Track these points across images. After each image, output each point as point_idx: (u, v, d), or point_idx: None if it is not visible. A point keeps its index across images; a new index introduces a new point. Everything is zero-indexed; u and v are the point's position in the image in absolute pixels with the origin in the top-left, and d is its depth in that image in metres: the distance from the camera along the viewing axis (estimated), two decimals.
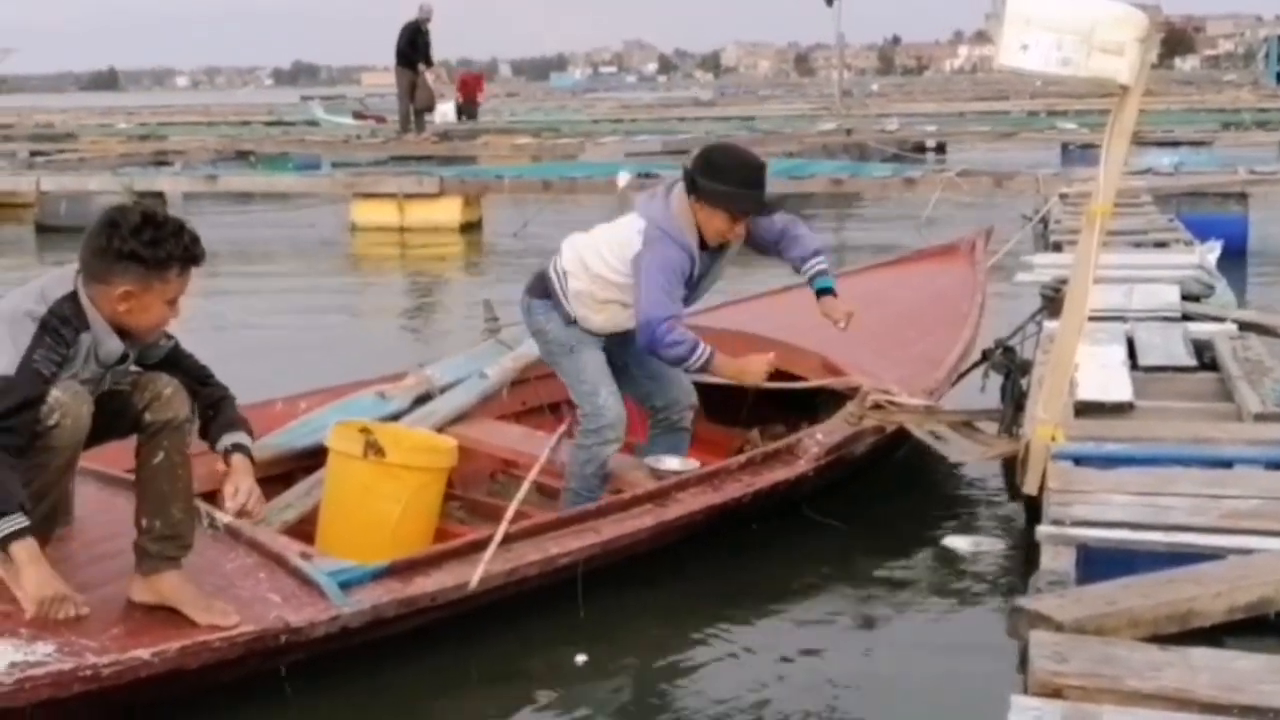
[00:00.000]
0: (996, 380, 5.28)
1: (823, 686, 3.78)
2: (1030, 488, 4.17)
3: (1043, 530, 3.46)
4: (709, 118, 29.69)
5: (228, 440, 3.58)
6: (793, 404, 5.46)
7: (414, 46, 19.60)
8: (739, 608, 4.27)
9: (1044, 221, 9.94)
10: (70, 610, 3.23)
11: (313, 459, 4.70)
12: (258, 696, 3.45)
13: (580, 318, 4.68)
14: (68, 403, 3.27)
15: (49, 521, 3.48)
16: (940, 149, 22.57)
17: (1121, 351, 5.32)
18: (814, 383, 5.30)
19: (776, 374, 5.27)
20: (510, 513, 4.07)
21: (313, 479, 4.61)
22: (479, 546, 3.87)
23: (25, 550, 3.19)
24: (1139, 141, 14.90)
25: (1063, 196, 10.65)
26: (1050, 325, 5.40)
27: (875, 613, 4.29)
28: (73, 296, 3.35)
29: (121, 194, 13.34)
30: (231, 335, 8.61)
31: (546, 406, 5.46)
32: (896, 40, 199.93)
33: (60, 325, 3.29)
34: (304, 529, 4.35)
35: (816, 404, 5.41)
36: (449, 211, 14.64)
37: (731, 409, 5.50)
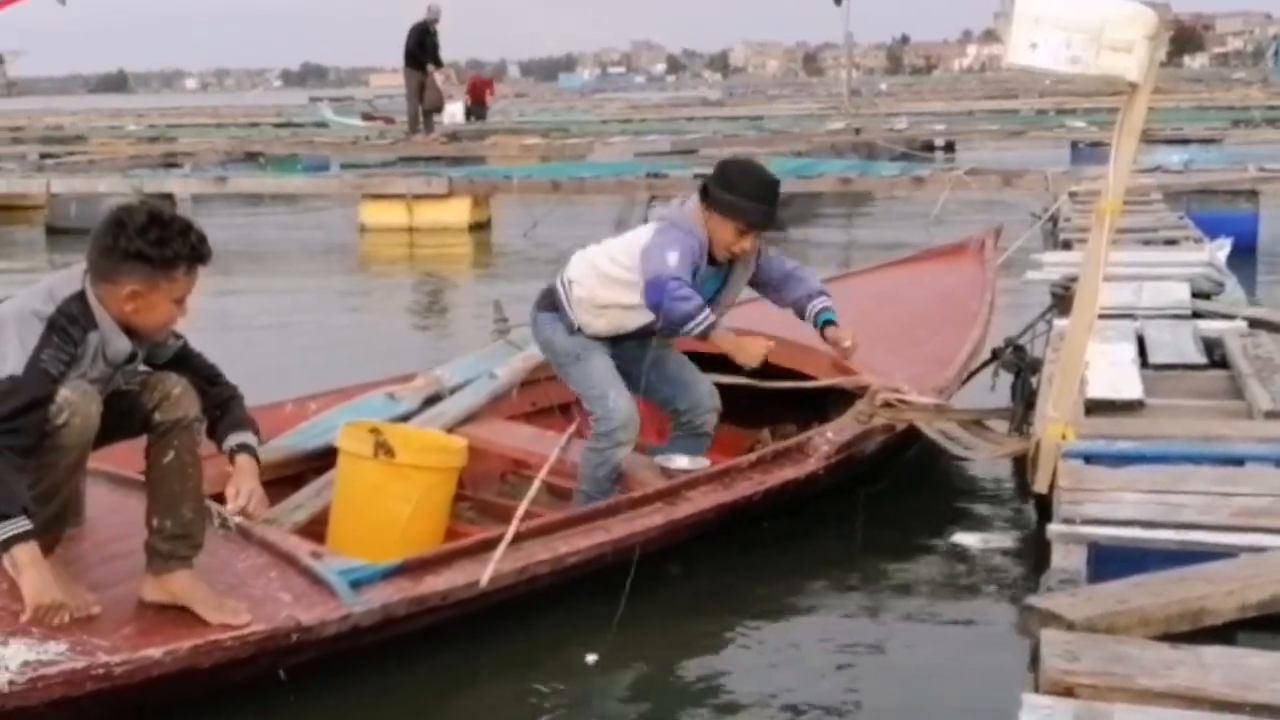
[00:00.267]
0: (1007, 379, 5.28)
1: (833, 684, 3.79)
2: (1041, 486, 4.17)
3: (1053, 529, 3.46)
4: (717, 117, 29.69)
5: (234, 440, 3.58)
6: (803, 404, 5.46)
7: (422, 47, 19.62)
8: (748, 605, 4.27)
9: (1053, 220, 9.92)
10: (66, 617, 3.22)
11: (323, 460, 4.70)
12: (269, 695, 3.45)
13: (583, 324, 4.71)
14: (76, 402, 3.27)
15: (59, 521, 3.48)
16: (949, 148, 22.54)
17: (1131, 349, 5.31)
18: (824, 382, 5.31)
19: (787, 373, 5.28)
20: (521, 512, 4.08)
21: (323, 480, 4.61)
22: (489, 545, 3.88)
23: (26, 554, 3.19)
24: (1148, 139, 14.85)
25: (1072, 195, 10.62)
26: (1060, 323, 5.39)
27: (885, 610, 4.29)
28: (80, 296, 3.36)
29: (131, 196, 13.33)
30: (240, 336, 8.63)
31: (556, 407, 5.47)
32: (905, 39, 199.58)
33: (68, 324, 3.30)
34: (314, 530, 4.35)
35: (827, 404, 5.41)
36: (458, 212, 14.65)
37: (742, 409, 5.50)
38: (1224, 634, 2.82)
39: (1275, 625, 2.88)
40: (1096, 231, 4.34)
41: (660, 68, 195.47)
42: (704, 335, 4.54)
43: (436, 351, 7.79)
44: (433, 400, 5.27)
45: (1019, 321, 5.94)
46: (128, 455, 3.70)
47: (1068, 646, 2.60)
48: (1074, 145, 19.76)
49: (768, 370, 5.23)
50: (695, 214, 4.65)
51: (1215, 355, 5.35)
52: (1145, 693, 2.44)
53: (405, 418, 5.06)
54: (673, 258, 4.53)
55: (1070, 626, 2.71)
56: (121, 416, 3.43)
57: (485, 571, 3.77)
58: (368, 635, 3.58)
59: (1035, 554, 4.37)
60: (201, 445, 3.55)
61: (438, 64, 20.05)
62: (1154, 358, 5.28)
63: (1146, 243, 8.24)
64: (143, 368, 3.54)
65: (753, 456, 4.76)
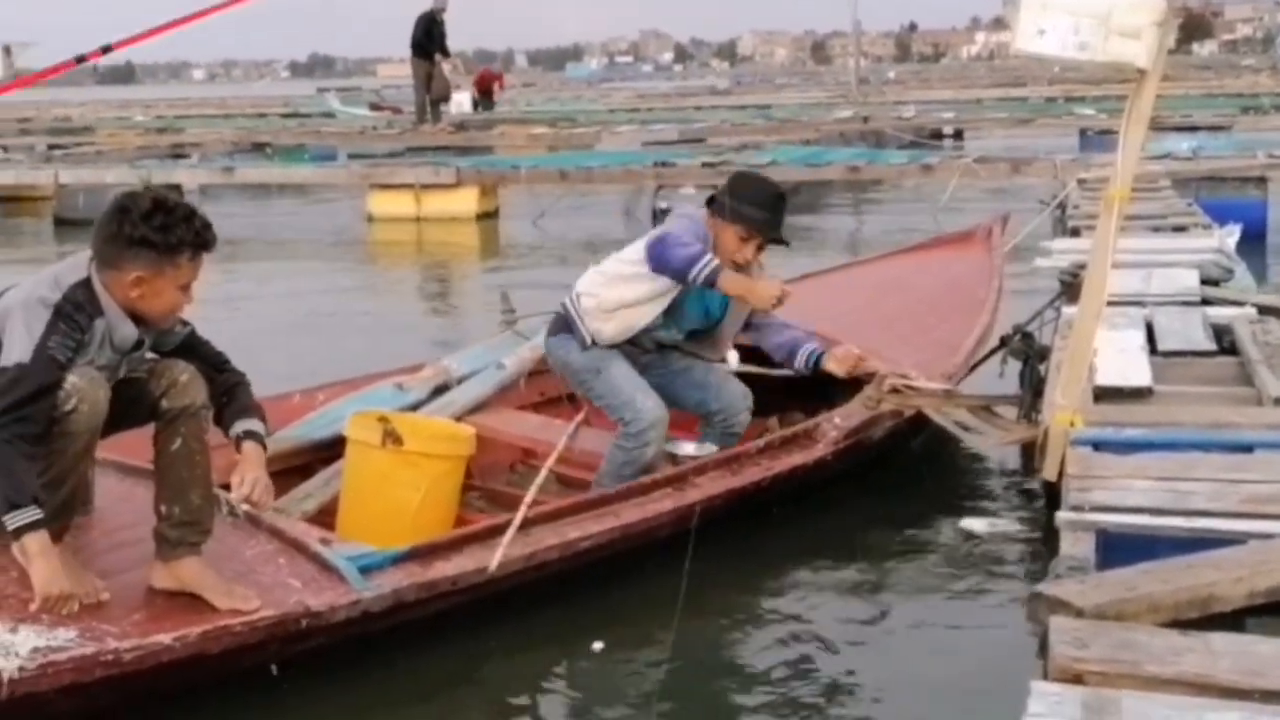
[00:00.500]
0: (1015, 366, 5.26)
1: (839, 669, 3.78)
2: (1049, 473, 4.16)
3: (1062, 516, 3.45)
4: (725, 106, 29.64)
5: (240, 427, 3.58)
6: (811, 391, 5.45)
7: (430, 37, 19.61)
8: (754, 591, 4.28)
9: (1062, 207, 9.91)
10: (76, 606, 3.23)
11: (331, 450, 4.71)
12: (279, 681, 3.46)
13: (594, 332, 4.72)
14: (84, 388, 3.28)
15: (68, 509, 3.49)
16: (958, 135, 22.50)
17: (1140, 336, 5.30)
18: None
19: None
20: (529, 498, 4.08)
21: (331, 469, 4.62)
22: (498, 531, 3.88)
23: (37, 542, 3.19)
24: (1158, 126, 14.83)
25: (1081, 182, 10.62)
26: (1069, 310, 5.38)
27: (893, 596, 4.28)
28: (86, 283, 3.36)
29: (139, 186, 13.39)
30: (247, 325, 8.63)
31: (565, 396, 5.46)
32: (913, 27, 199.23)
33: (74, 311, 3.30)
34: (324, 519, 4.35)
35: (835, 390, 5.40)
36: (465, 202, 14.64)
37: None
38: (1233, 621, 2.82)
39: None
40: (1105, 218, 4.33)
41: (668, 57, 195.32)
42: (712, 279, 4.48)
43: (444, 341, 7.79)
44: (441, 390, 5.27)
45: (1027, 309, 5.93)
46: (136, 444, 3.70)
47: (1076, 634, 2.60)
48: (1083, 133, 19.72)
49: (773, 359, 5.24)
50: (704, 221, 4.70)
51: (1224, 342, 5.35)
52: (1154, 680, 2.44)
53: (414, 407, 5.06)
54: (675, 227, 4.62)
55: (1079, 614, 2.70)
56: (129, 404, 3.44)
57: (494, 556, 3.77)
58: (377, 621, 3.58)
59: (1044, 541, 4.37)
60: (210, 433, 3.56)
61: (445, 54, 20.03)
62: (1163, 344, 5.28)
63: (1155, 230, 8.22)
64: (150, 355, 3.54)
65: (761, 442, 4.76)
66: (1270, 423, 4.22)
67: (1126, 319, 5.54)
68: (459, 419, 4.98)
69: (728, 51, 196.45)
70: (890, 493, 5.09)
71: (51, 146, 21.17)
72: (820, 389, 5.42)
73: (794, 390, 5.47)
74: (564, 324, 4.84)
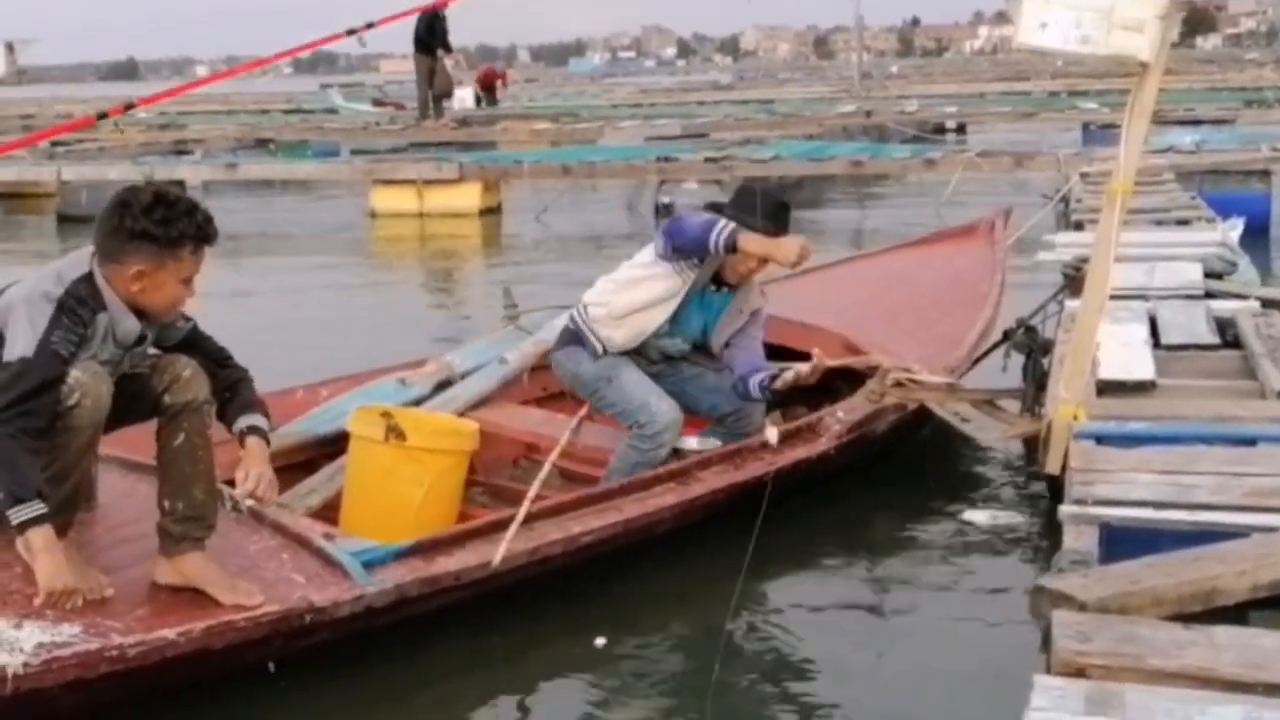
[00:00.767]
0: (1018, 360, 5.26)
1: (842, 662, 3.79)
2: (1052, 467, 4.16)
3: (1065, 510, 3.45)
4: (728, 101, 29.64)
5: (244, 423, 3.58)
6: (814, 385, 5.44)
7: (432, 33, 19.60)
8: (758, 583, 4.27)
9: (1065, 201, 9.90)
10: (80, 601, 3.24)
11: (335, 446, 4.71)
12: (281, 678, 3.46)
13: (605, 339, 4.73)
14: (87, 383, 3.28)
15: (71, 504, 3.49)
16: (960, 130, 22.48)
17: (1143, 330, 5.30)
18: (835, 362, 5.30)
19: (797, 355, 5.27)
20: (532, 493, 4.09)
21: (335, 465, 4.62)
22: (502, 526, 3.88)
23: (41, 537, 3.20)
24: (1161, 120, 14.81)
25: (1084, 175, 10.60)
26: (1072, 304, 5.38)
27: (895, 588, 4.29)
28: (88, 278, 3.36)
29: (142, 182, 13.38)
30: (250, 321, 8.63)
31: (568, 391, 5.47)
32: (916, 22, 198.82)
33: (77, 306, 3.31)
34: (327, 515, 4.36)
35: (837, 385, 5.40)
36: (468, 197, 14.63)
37: None
38: (1236, 614, 2.81)
39: None
40: (1108, 212, 4.32)
41: (670, 52, 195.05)
42: (731, 240, 4.47)
43: (447, 337, 7.80)
44: (444, 385, 5.27)
45: (1030, 302, 5.93)
46: (139, 440, 3.71)
47: (1079, 627, 2.60)
48: (1086, 127, 19.69)
49: (777, 352, 5.23)
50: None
51: (1228, 335, 5.34)
52: (1157, 673, 2.44)
53: (417, 403, 5.07)
54: (685, 214, 4.68)
55: (1082, 607, 2.70)
56: (132, 399, 3.44)
57: (498, 551, 3.78)
58: (381, 616, 3.59)
59: (1047, 535, 4.37)
60: (212, 428, 3.56)
61: (447, 49, 20.04)
62: (1166, 338, 5.27)
63: (1159, 223, 8.22)
64: (152, 351, 3.54)
65: (764, 436, 4.75)
66: (1273, 416, 4.21)
67: (1129, 313, 5.54)
68: (462, 414, 4.98)
69: (730, 46, 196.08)
70: (893, 485, 5.10)
71: (54, 143, 21.13)
72: (823, 383, 5.42)
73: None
74: (571, 337, 4.84)
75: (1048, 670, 2.52)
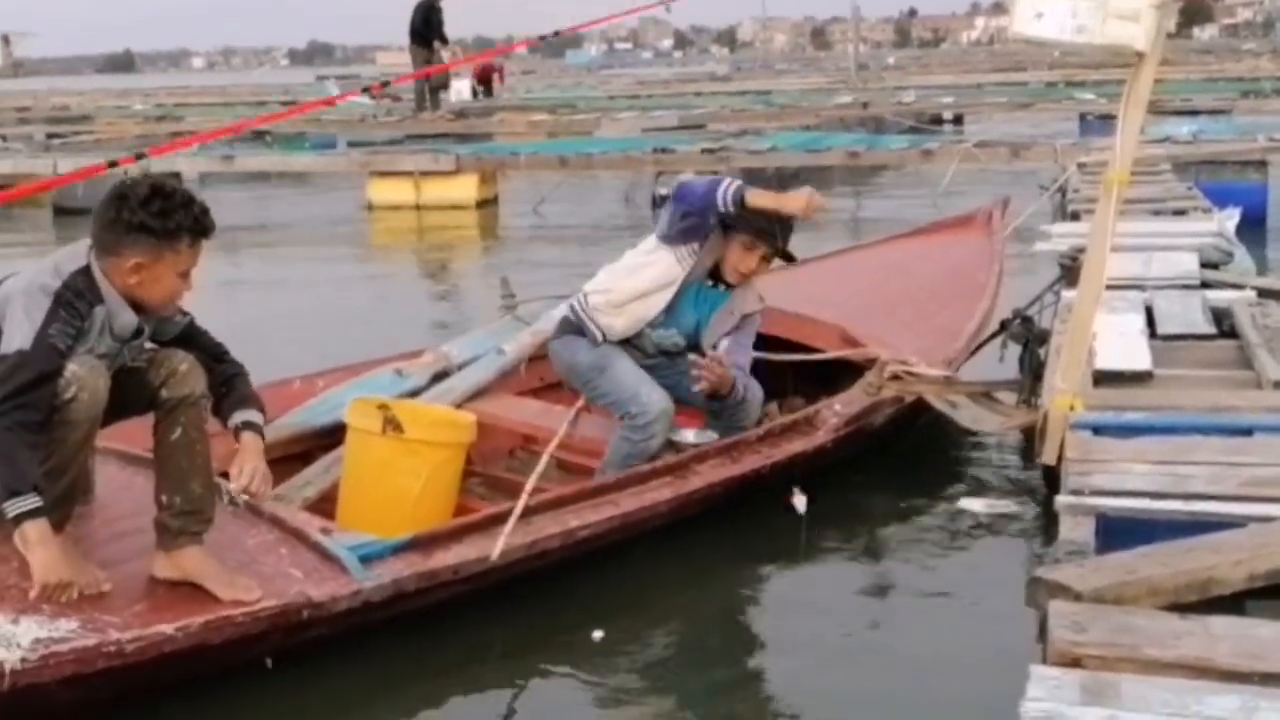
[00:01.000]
0: (1015, 350, 5.26)
1: (838, 653, 3.79)
2: (1049, 457, 4.17)
3: (1062, 500, 3.46)
4: (725, 92, 29.56)
5: (239, 418, 3.59)
6: (811, 377, 5.46)
7: (428, 24, 19.55)
8: (755, 576, 4.28)
9: (1062, 191, 9.89)
10: (75, 595, 3.23)
11: (331, 437, 4.70)
12: (277, 673, 3.47)
13: (605, 327, 4.72)
14: (85, 376, 3.28)
15: (68, 499, 3.49)
16: (958, 120, 22.43)
17: (1140, 320, 5.30)
18: (832, 354, 5.30)
19: (795, 346, 5.28)
20: (530, 486, 4.08)
21: (331, 456, 4.62)
22: (500, 520, 3.88)
23: (36, 530, 3.19)
24: (1158, 110, 14.81)
25: (1080, 166, 10.60)
26: (1068, 294, 5.38)
27: (891, 577, 4.30)
28: (86, 271, 3.36)
29: (138, 175, 13.37)
30: (247, 313, 8.63)
31: (564, 382, 5.47)
32: (913, 13, 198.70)
33: (74, 299, 3.30)
34: (324, 507, 4.35)
35: (835, 377, 5.41)
36: (465, 189, 14.62)
37: None
38: (1232, 604, 2.82)
39: None
40: (1104, 202, 4.33)
41: (668, 43, 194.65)
42: (740, 194, 4.48)
43: (444, 327, 7.80)
44: (441, 376, 5.27)
45: (1028, 293, 5.93)
46: (136, 433, 3.71)
47: (1075, 618, 2.60)
48: (1082, 117, 19.65)
49: (775, 343, 5.24)
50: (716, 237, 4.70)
51: (1224, 325, 5.34)
52: (1153, 663, 2.45)
53: (414, 394, 5.06)
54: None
55: (1078, 598, 2.71)
56: (129, 393, 3.44)
57: (496, 545, 3.78)
58: (378, 611, 3.59)
59: (1043, 525, 4.37)
60: (208, 422, 3.56)
61: (444, 41, 19.98)
62: (1162, 328, 5.28)
63: (1155, 213, 8.21)
64: (149, 345, 3.54)
65: (761, 430, 4.76)
66: (1269, 406, 4.22)
67: (1126, 303, 5.54)
68: (459, 405, 4.98)
69: (727, 38, 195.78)
70: (890, 475, 5.09)
71: (50, 136, 21.10)
72: (820, 375, 5.43)
73: (794, 376, 5.47)
74: (570, 326, 4.84)
75: (1044, 660, 2.52)
